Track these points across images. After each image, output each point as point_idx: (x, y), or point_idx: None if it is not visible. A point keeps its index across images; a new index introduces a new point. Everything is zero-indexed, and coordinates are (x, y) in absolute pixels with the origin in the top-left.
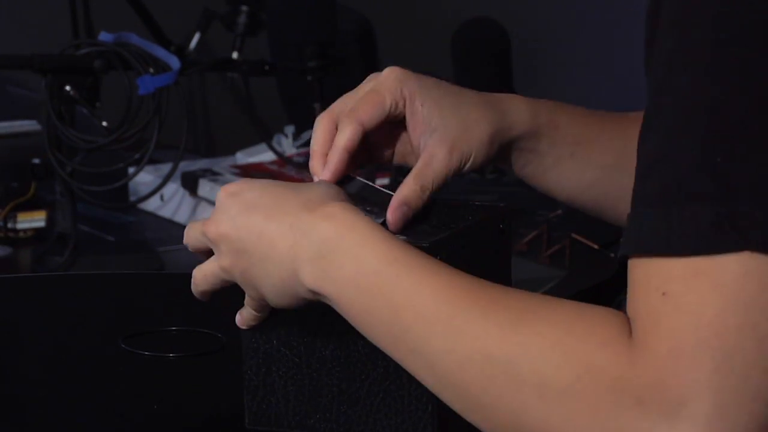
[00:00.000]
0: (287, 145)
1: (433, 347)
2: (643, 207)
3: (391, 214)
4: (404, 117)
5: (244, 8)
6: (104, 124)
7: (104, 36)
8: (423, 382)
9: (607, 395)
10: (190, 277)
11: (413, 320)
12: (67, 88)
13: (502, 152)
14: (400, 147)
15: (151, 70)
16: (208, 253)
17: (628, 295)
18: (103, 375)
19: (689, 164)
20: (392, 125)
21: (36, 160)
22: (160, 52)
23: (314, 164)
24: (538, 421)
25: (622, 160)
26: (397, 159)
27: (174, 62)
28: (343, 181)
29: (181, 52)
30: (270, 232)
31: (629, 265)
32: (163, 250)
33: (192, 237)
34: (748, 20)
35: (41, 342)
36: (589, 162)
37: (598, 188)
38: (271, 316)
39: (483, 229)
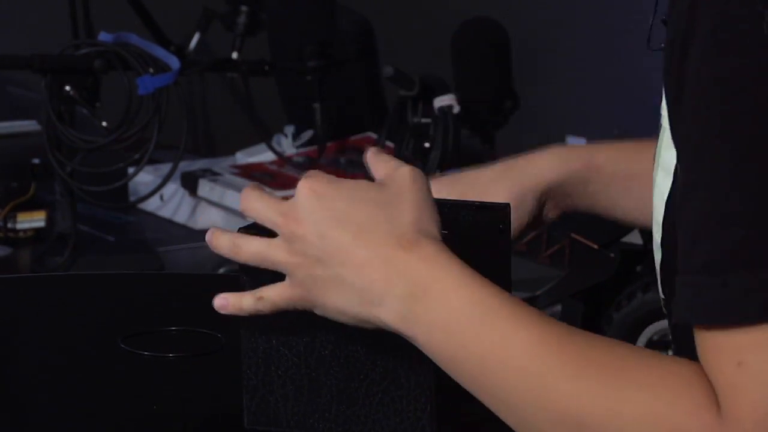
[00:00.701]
0: (287, 145)
1: (524, 402)
2: (696, 274)
3: None
4: None
5: (244, 8)
6: (104, 124)
7: (104, 36)
8: (512, 428)
9: None
10: (190, 278)
11: (503, 373)
12: (67, 88)
13: (548, 205)
14: None
15: (151, 70)
16: (259, 228)
17: (702, 360)
18: (102, 375)
19: (741, 231)
20: None
21: (36, 160)
22: (159, 52)
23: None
24: None
25: None
26: None
27: (174, 62)
28: None
29: (180, 52)
30: (359, 257)
31: (696, 333)
32: (162, 250)
33: (261, 210)
34: None
35: (41, 342)
36: (648, 190)
37: None
38: (271, 316)
39: (482, 228)
